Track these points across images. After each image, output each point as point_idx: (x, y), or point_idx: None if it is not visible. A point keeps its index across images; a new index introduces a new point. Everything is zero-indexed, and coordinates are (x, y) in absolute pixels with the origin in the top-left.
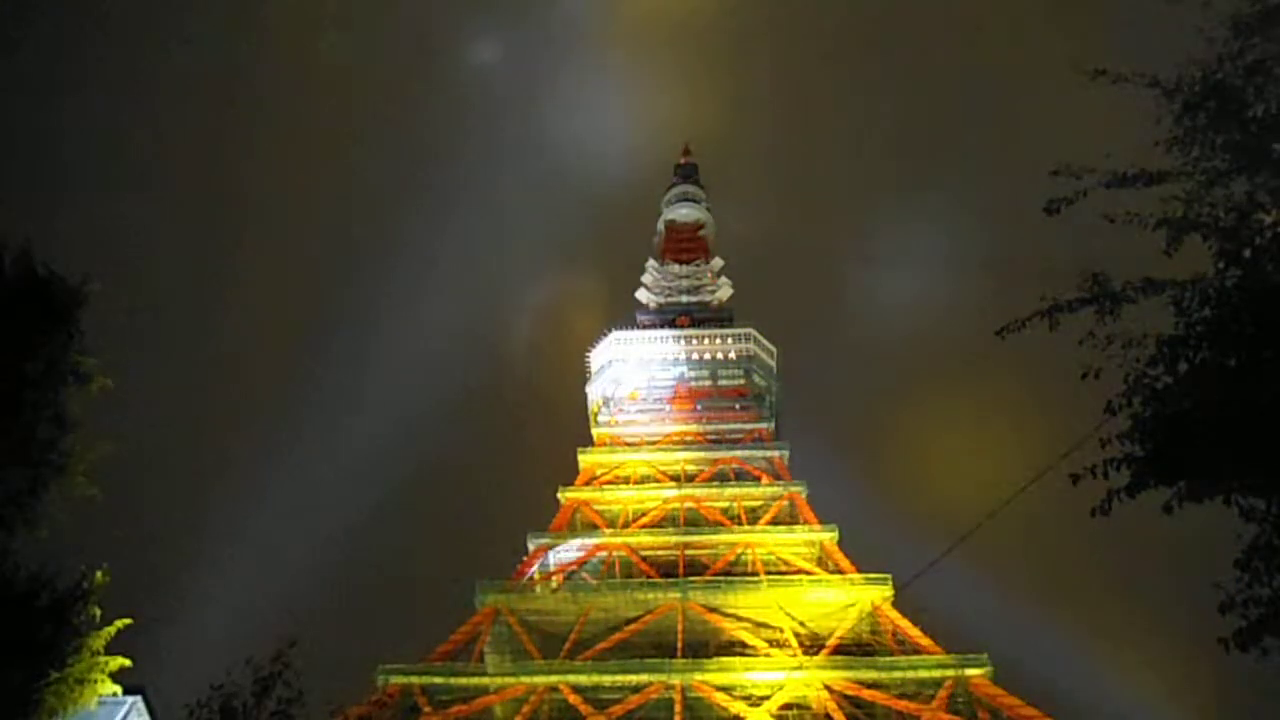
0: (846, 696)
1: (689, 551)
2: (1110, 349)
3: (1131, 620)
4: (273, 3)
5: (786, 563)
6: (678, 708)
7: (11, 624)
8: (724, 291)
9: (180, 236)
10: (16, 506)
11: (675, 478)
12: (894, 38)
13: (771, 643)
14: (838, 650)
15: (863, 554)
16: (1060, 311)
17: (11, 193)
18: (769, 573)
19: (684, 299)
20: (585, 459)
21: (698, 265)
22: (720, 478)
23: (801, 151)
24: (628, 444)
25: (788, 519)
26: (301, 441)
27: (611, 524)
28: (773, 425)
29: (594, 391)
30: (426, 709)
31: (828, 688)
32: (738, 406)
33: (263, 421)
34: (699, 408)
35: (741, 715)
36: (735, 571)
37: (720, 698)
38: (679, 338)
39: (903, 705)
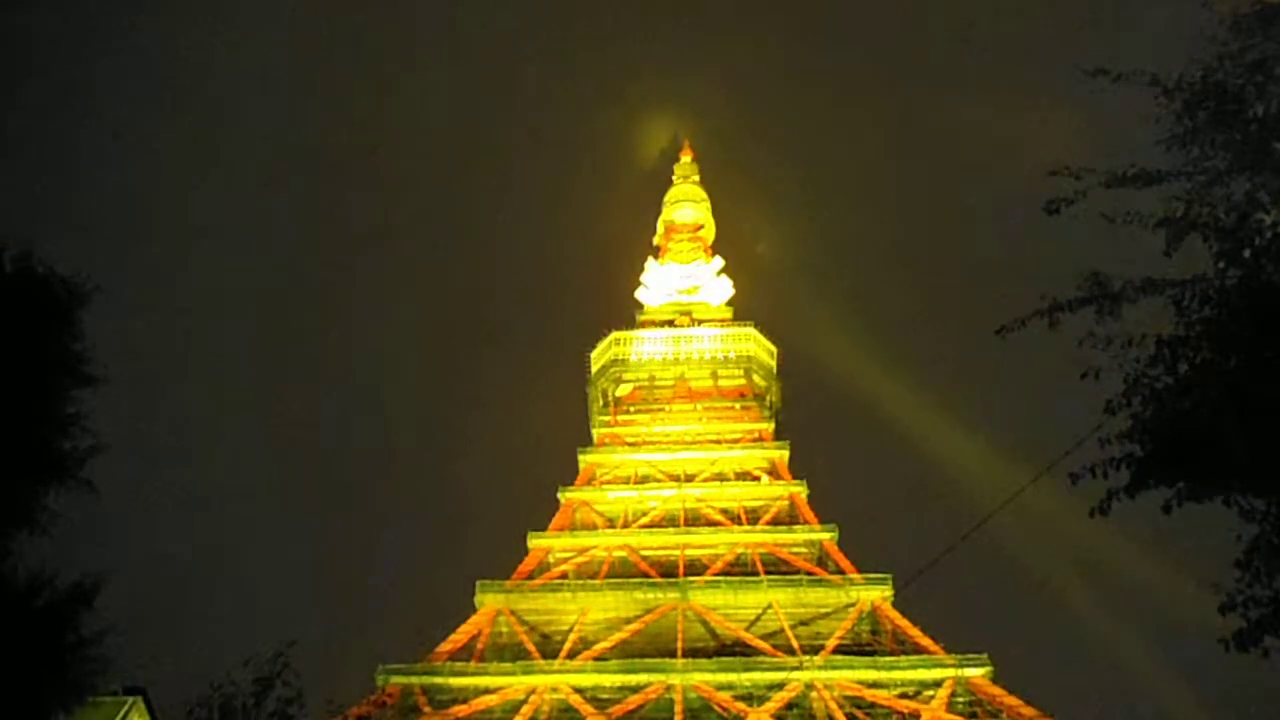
0: (846, 696)
1: (689, 551)
2: (1110, 349)
3: (1131, 619)
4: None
5: (786, 563)
6: (678, 708)
7: (10, 624)
8: (724, 291)
9: (180, 236)
10: (16, 507)
11: (675, 478)
12: (892, 36)
13: (772, 643)
14: (838, 650)
15: (863, 554)
16: (1060, 311)
17: (12, 192)
18: (769, 573)
19: (684, 299)
20: (585, 459)
21: (698, 265)
22: (720, 478)
23: (803, 150)
24: (628, 444)
25: (788, 519)
26: (301, 440)
27: (611, 524)
28: (773, 425)
29: (594, 391)
30: (426, 709)
31: (828, 688)
32: (738, 406)
33: (262, 420)
34: (699, 408)
35: (741, 715)
36: (735, 571)
37: (720, 697)
38: (679, 337)
39: (903, 705)
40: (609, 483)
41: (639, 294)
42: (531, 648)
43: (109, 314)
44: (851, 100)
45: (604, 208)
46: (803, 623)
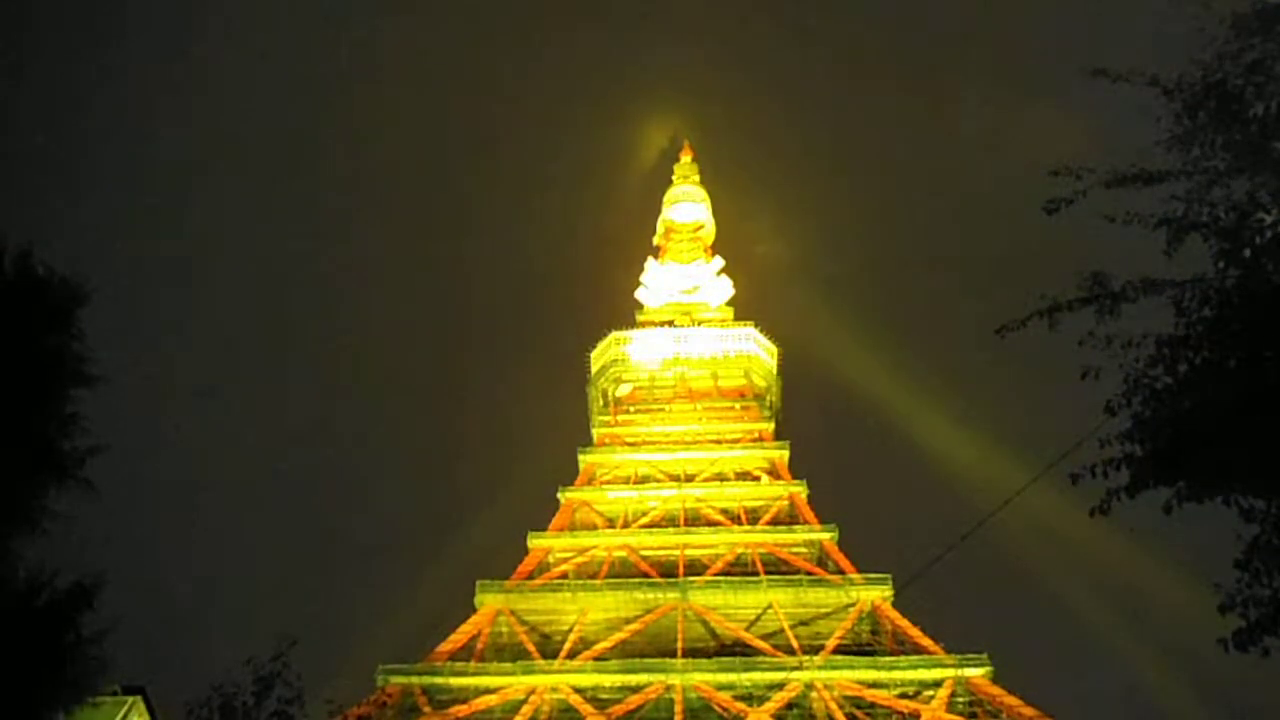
0: (846, 696)
1: (689, 551)
2: (1110, 349)
3: (1130, 619)
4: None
5: (786, 563)
6: (678, 708)
7: (10, 624)
8: (724, 291)
9: (181, 236)
10: (16, 507)
11: (675, 478)
12: (893, 36)
13: (772, 643)
14: (838, 650)
15: (863, 554)
16: (1060, 311)
17: (13, 192)
18: (769, 573)
19: (684, 299)
20: (585, 459)
21: (698, 265)
22: (720, 478)
23: (804, 150)
24: (628, 444)
25: (788, 519)
26: (302, 440)
27: (611, 524)
28: (773, 425)
29: (594, 391)
30: (426, 709)
31: (828, 687)
32: (738, 406)
33: (263, 420)
34: (699, 408)
35: (741, 715)
36: (735, 571)
37: (720, 697)
38: (679, 338)
39: (903, 705)
40: (609, 483)
41: (639, 294)
42: (531, 648)
43: (109, 314)
44: (852, 100)
45: (604, 208)
46: (803, 623)
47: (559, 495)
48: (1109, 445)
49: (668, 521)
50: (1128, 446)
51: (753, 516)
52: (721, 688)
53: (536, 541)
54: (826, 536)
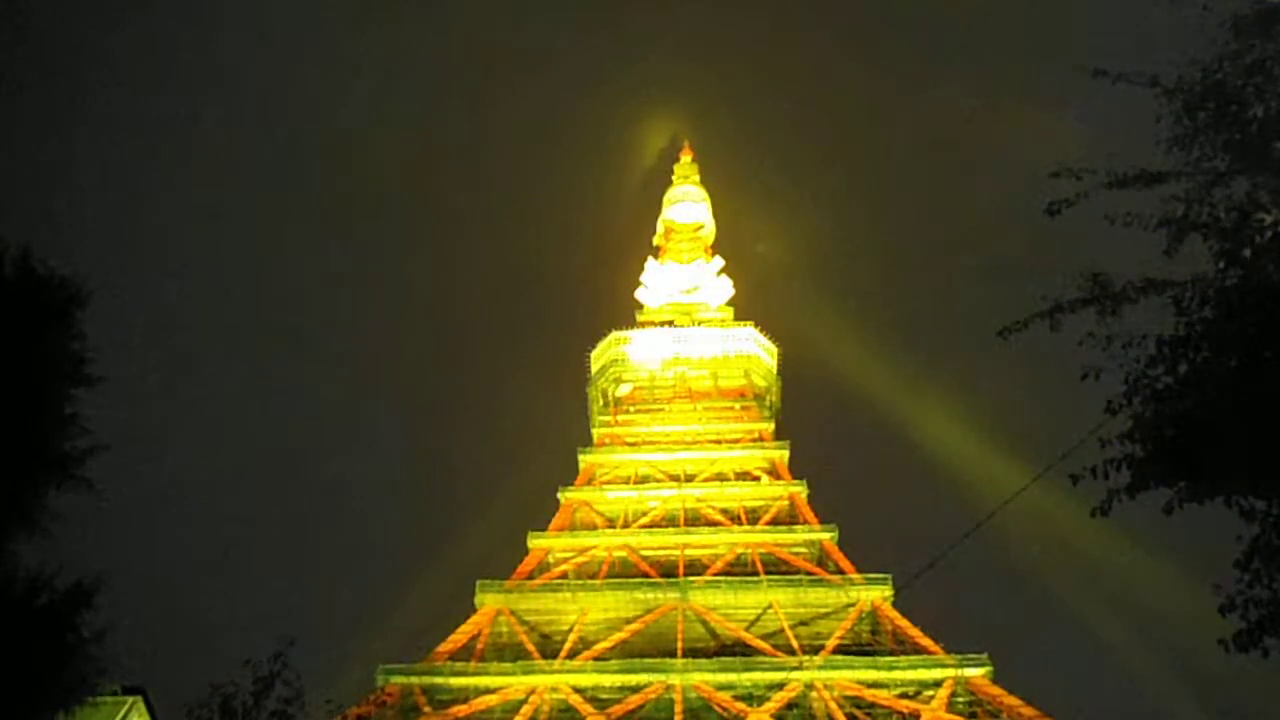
0: (846, 696)
1: (689, 551)
2: (1110, 349)
3: (1130, 619)
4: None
5: (786, 563)
6: (678, 708)
7: (10, 624)
8: (724, 291)
9: (186, 237)
10: (16, 508)
11: (675, 478)
12: (893, 37)
13: (772, 643)
14: (838, 650)
15: (863, 554)
16: (1060, 311)
17: (12, 191)
18: (769, 573)
19: (684, 299)
20: (585, 459)
21: (698, 265)
22: (720, 478)
23: (804, 149)
24: (628, 444)
25: (788, 519)
26: (302, 440)
27: (611, 524)
28: (773, 425)
29: (594, 391)
30: (426, 709)
31: (828, 687)
32: (738, 406)
33: (264, 420)
34: (699, 408)
35: (741, 715)
36: (735, 571)
37: (720, 697)
38: (679, 338)
39: (903, 705)
40: (609, 483)
41: (639, 294)
42: (531, 648)
43: (109, 314)
44: (852, 100)
45: (604, 208)
46: (803, 623)
47: (559, 495)
48: (1109, 445)
49: (668, 521)
50: (1128, 446)
51: (753, 516)
52: (721, 688)
53: (536, 541)
54: (826, 536)
